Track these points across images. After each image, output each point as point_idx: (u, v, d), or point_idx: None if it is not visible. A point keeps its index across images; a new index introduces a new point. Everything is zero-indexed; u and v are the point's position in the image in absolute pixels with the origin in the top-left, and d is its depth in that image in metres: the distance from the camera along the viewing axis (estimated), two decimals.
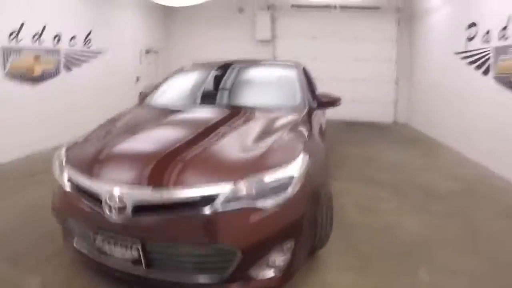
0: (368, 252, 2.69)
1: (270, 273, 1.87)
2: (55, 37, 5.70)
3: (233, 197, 1.77)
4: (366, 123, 8.73)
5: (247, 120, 2.65)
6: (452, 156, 5.67)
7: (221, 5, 8.81)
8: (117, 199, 1.81)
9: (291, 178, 1.89)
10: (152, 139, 2.36)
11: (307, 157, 2.05)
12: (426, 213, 3.40)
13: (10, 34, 4.83)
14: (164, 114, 3.00)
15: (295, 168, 1.94)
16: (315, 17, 8.89)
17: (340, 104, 3.27)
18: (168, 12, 9.24)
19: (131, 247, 1.83)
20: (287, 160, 1.97)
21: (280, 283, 1.90)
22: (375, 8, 8.56)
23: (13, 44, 4.90)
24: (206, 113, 2.94)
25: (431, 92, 7.28)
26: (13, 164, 4.79)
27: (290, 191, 1.86)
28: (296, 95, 3.11)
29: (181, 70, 3.96)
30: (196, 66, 4.06)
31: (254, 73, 3.74)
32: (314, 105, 3.16)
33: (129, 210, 1.80)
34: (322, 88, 8.41)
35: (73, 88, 6.20)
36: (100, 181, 1.93)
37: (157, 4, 7.22)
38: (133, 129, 2.56)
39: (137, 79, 8.13)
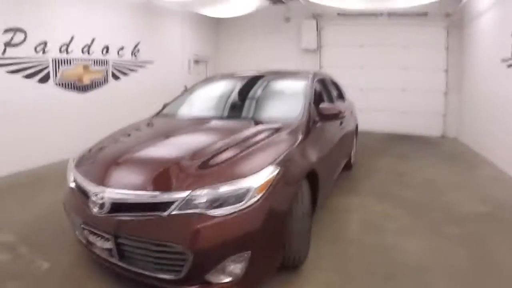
0: (354, 271, 2.58)
1: (226, 280, 1.94)
2: (103, 48, 6.32)
3: (188, 204, 1.91)
4: (412, 136, 8.24)
5: (232, 132, 2.69)
6: (492, 175, 5.14)
7: (269, 14, 9.01)
8: (99, 197, 2.06)
9: (248, 190, 1.94)
10: (138, 148, 2.52)
11: (277, 170, 2.08)
12: (436, 235, 3.13)
13: (61, 47, 5.47)
14: (163, 124, 3.24)
15: (255, 181, 1.98)
16: (362, 25, 8.62)
17: (343, 118, 3.22)
18: (218, 22, 9.64)
19: (107, 239, 2.07)
20: (250, 172, 2.03)
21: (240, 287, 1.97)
22: (423, 14, 8.04)
23: (63, 55, 5.53)
24: (199, 125, 3.06)
25: (479, 103, 6.67)
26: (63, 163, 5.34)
27: (245, 202, 1.92)
28: (295, 107, 3.08)
29: (201, 82, 4.19)
30: (214, 78, 4.25)
31: (263, 85, 3.78)
32: (317, 117, 3.11)
33: (107, 207, 2.04)
34: (367, 99, 8.22)
35: (120, 96, 6.76)
36: (90, 181, 2.21)
37: (208, 16, 7.62)
38: (130, 138, 2.87)
39: (185, 88, 8.56)
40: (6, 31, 4.58)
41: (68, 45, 5.57)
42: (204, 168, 2.08)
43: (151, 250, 1.97)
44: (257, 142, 2.40)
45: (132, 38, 7.03)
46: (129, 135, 2.98)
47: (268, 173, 2.07)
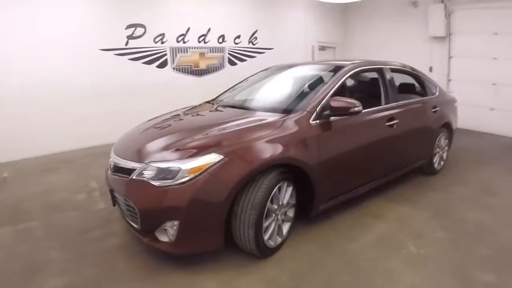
0: (312, 277, 2.20)
1: (165, 239, 2.26)
2: (219, 37, 7.01)
3: (141, 173, 2.29)
4: None
5: (222, 120, 2.79)
6: None
7: None
8: (110, 161, 2.68)
9: (179, 170, 2.16)
10: (148, 128, 2.90)
11: (219, 158, 2.19)
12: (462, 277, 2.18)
13: (178, 37, 6.43)
14: (192, 110, 3.41)
15: (188, 163, 2.17)
16: (497, 8, 6.33)
17: (356, 113, 2.63)
18: (345, 8, 9.09)
19: (110, 191, 2.66)
20: (186, 155, 2.24)
21: (171, 250, 2.26)
22: None
23: (180, 44, 6.50)
24: (209, 113, 3.20)
25: None
26: None
27: (175, 180, 2.16)
28: (304, 100, 2.85)
29: (256, 73, 4.21)
30: (268, 69, 4.18)
31: (291, 77, 3.63)
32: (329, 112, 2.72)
33: (111, 168, 2.61)
34: (499, 95, 6.75)
35: (235, 79, 7.33)
36: (112, 153, 2.78)
37: (334, 3, 7.30)
38: (156, 122, 3.16)
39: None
40: (129, 26, 5.80)
41: (184, 36, 6.51)
42: (167, 149, 2.36)
43: (124, 203, 2.42)
44: (230, 130, 2.47)
45: (250, 26, 7.45)
46: (161, 118, 3.30)
47: (207, 159, 2.19)
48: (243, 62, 7.54)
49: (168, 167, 2.19)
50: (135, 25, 5.87)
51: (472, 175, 4.21)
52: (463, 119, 6.10)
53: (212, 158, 2.19)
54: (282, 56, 7.91)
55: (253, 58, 7.67)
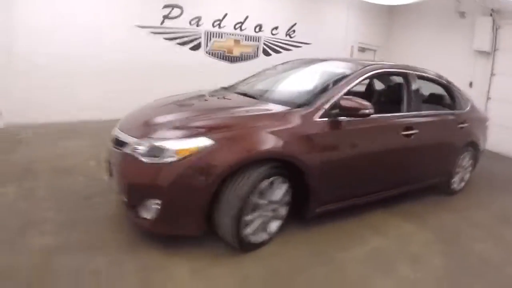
0: (290, 281, 2.11)
1: (146, 216, 2.24)
2: (256, 26, 6.93)
3: (135, 148, 2.26)
4: None
5: (231, 107, 2.78)
6: None
7: (443, 7, 7.32)
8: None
9: (165, 150, 2.15)
10: (156, 109, 2.86)
11: (208, 142, 2.15)
12: None
13: (214, 22, 6.43)
14: (209, 95, 3.32)
15: (175, 144, 2.16)
16: None
17: (365, 116, 2.51)
18: (390, 11, 8.65)
19: (109, 163, 2.67)
20: (175, 136, 2.24)
21: (150, 228, 2.27)
22: None
23: (215, 29, 6.49)
24: (223, 99, 3.12)
25: None
26: None
27: (161, 159, 2.15)
28: (312, 95, 2.73)
29: (277, 65, 4.07)
30: (287, 62, 4.05)
31: (311, 71, 3.47)
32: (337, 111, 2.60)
33: (113, 141, 2.58)
34: None
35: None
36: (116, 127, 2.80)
37: (378, 4, 6.98)
38: (169, 98, 3.16)
39: None
40: (165, 6, 5.87)
41: (221, 21, 6.49)
42: (164, 127, 2.35)
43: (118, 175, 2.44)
44: (228, 116, 2.47)
45: (288, 19, 7.30)
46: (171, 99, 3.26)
47: (197, 142, 2.16)
48: (278, 54, 7.40)
49: (158, 145, 2.18)
50: (172, 6, 5.93)
51: (493, 201, 3.89)
52: (496, 141, 5.66)
53: (202, 141, 2.16)
54: (319, 52, 7.67)
55: (289, 51, 7.51)
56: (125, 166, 2.32)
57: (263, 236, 2.41)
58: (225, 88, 3.49)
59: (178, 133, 2.26)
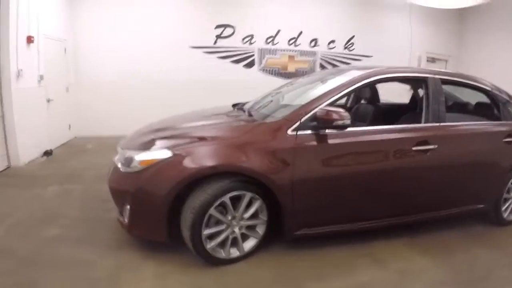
0: None
1: (124, 219, 2.45)
2: (311, 41, 6.90)
3: (119, 159, 2.53)
4: None
5: (210, 121, 2.95)
6: None
7: None
8: None
9: (131, 160, 2.37)
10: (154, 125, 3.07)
11: (168, 155, 2.27)
12: None
13: (267, 39, 6.60)
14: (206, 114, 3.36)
15: (140, 155, 2.36)
16: None
17: (341, 128, 2.32)
18: (460, 16, 7.76)
19: None
20: (143, 147, 2.44)
21: (127, 231, 2.46)
22: None
23: (268, 46, 6.64)
24: (216, 115, 3.18)
25: None
26: None
27: (128, 168, 2.38)
28: (292, 108, 2.60)
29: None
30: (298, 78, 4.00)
31: (319, 83, 3.13)
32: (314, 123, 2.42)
33: None
34: None
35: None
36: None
37: (445, 9, 6.38)
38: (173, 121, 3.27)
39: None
40: (218, 26, 6.26)
41: (274, 38, 6.64)
42: (142, 141, 2.56)
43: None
44: (198, 132, 2.59)
45: (346, 31, 7.12)
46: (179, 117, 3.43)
47: (157, 154, 2.32)
48: None
49: (128, 155, 2.40)
50: (224, 26, 6.33)
51: None
52: None
53: (162, 154, 2.29)
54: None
55: (348, 65, 7.29)
56: (112, 173, 2.57)
57: (235, 253, 2.38)
58: (235, 105, 3.54)
59: (146, 145, 2.44)
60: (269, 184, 2.28)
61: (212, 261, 2.33)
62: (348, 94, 2.63)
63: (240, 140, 2.36)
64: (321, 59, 7.14)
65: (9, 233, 2.71)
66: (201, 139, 2.41)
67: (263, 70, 6.85)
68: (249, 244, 2.43)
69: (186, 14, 6.26)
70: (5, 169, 4.21)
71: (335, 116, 2.28)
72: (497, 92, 3.19)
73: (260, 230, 2.43)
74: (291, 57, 7.00)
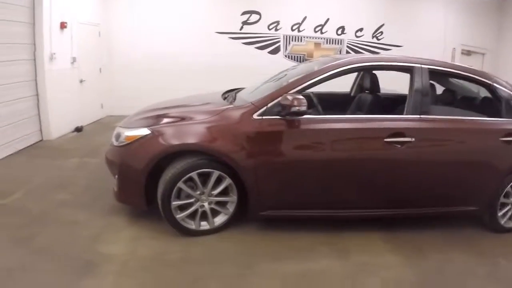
0: (193, 269, 2.37)
1: (115, 187, 2.80)
2: (338, 28, 6.79)
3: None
4: None
5: (190, 105, 3.16)
6: None
7: None
8: None
9: (120, 135, 2.74)
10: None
11: (147, 133, 2.57)
12: None
13: (293, 26, 6.60)
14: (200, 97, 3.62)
15: (127, 131, 2.70)
16: None
17: (296, 115, 2.40)
18: (500, 6, 7.12)
19: None
20: (131, 125, 2.79)
21: (116, 198, 2.80)
22: None
23: (294, 33, 6.65)
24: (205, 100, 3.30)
25: None
26: None
27: (116, 142, 2.75)
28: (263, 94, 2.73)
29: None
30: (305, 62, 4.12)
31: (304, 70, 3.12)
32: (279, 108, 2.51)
33: None
34: None
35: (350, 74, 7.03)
36: None
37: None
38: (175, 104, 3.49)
39: None
40: (244, 13, 6.38)
41: (300, 25, 6.64)
42: (136, 122, 2.84)
43: None
44: (176, 113, 2.86)
45: (375, 20, 6.92)
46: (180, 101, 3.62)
47: (139, 132, 2.63)
48: None
49: (118, 132, 2.78)
50: (250, 12, 6.44)
51: None
52: None
53: (143, 131, 2.60)
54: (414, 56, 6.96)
55: (376, 54, 7.07)
56: (109, 147, 2.91)
57: (203, 225, 2.60)
58: (231, 90, 3.68)
59: (134, 123, 2.78)
60: (233, 164, 2.48)
61: (182, 231, 2.60)
62: (320, 82, 2.62)
63: (209, 121, 2.55)
64: (348, 47, 7.01)
65: (27, 195, 3.20)
66: (178, 120, 2.68)
67: (288, 56, 6.90)
68: (219, 219, 2.66)
69: (213, 0, 6.49)
70: (38, 142, 4.78)
71: (293, 102, 2.36)
72: (501, 87, 2.98)
73: (231, 207, 2.65)
74: (317, 44, 6.95)
